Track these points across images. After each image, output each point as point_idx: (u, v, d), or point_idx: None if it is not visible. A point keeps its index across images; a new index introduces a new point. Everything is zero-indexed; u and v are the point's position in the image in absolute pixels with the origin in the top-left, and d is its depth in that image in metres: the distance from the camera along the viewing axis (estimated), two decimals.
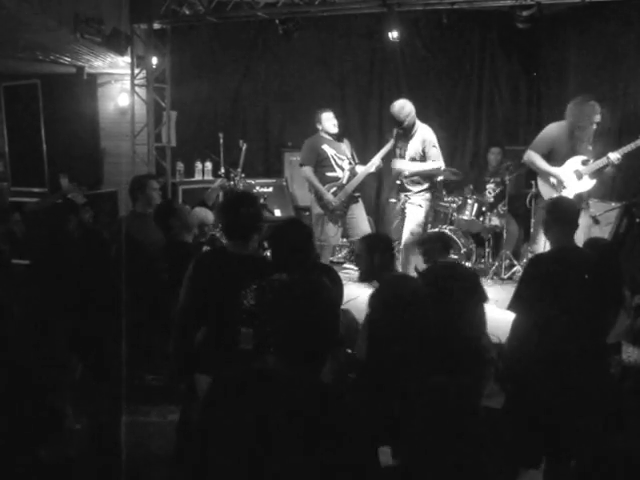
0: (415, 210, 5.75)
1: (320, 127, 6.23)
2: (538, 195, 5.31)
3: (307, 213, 6.42)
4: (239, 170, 6.73)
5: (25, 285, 4.06)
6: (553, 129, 5.11)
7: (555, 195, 4.97)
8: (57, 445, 2.11)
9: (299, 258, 3.04)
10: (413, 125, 5.64)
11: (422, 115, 7.60)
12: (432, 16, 6.82)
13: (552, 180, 5.06)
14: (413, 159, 5.70)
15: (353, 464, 1.71)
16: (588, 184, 4.99)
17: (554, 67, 7.04)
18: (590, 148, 4.99)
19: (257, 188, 6.98)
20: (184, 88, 7.88)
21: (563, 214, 3.46)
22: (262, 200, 6.73)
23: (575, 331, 3.23)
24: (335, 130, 6.21)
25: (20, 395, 2.04)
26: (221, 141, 7.04)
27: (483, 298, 3.69)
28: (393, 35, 6.33)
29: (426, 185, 5.78)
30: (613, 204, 5.66)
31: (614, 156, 4.83)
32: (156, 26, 7.15)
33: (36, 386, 2.16)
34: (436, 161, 5.69)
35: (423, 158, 5.68)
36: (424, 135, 5.66)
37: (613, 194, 6.00)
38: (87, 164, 7.96)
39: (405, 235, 5.76)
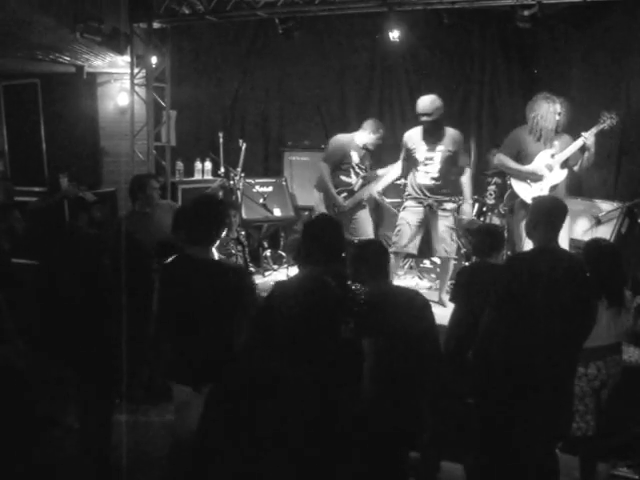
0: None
1: (363, 134, 6.03)
2: (513, 194, 5.42)
3: (307, 213, 6.41)
4: (239, 169, 6.73)
5: (30, 284, 4.06)
6: (518, 131, 5.31)
7: (529, 191, 5.12)
8: (51, 446, 2.11)
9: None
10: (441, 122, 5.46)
11: None
12: (433, 15, 6.80)
13: (525, 177, 5.19)
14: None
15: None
16: (560, 175, 5.14)
17: (555, 66, 7.02)
18: (556, 142, 5.11)
19: (257, 187, 6.96)
20: (184, 87, 7.87)
21: (543, 213, 3.43)
22: (262, 200, 6.73)
23: (543, 334, 3.21)
24: (372, 148, 6.08)
25: (12, 396, 2.03)
26: (221, 140, 7.03)
27: None
28: (393, 35, 6.32)
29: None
30: (615, 204, 5.66)
31: (588, 134, 4.97)
32: (156, 25, 7.14)
33: (29, 388, 2.15)
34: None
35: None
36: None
37: (615, 194, 5.99)
38: (86, 163, 7.95)
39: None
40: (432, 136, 5.44)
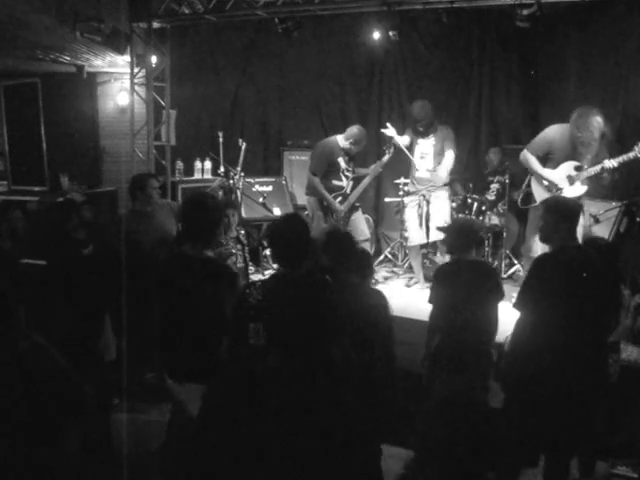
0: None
1: (345, 143, 6.07)
2: (530, 195, 5.27)
3: (307, 212, 6.42)
4: (238, 169, 6.73)
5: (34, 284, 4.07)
6: (553, 131, 5.04)
7: (546, 196, 4.94)
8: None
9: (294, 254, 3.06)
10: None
11: None
12: (432, 15, 6.81)
13: (545, 182, 5.05)
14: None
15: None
16: (580, 190, 4.97)
17: (554, 66, 7.02)
18: (589, 157, 4.90)
19: (256, 187, 6.97)
20: (183, 87, 7.88)
21: (565, 213, 3.45)
22: (261, 199, 6.74)
23: (576, 331, 3.24)
24: (352, 154, 6.20)
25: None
26: (220, 140, 7.04)
27: (501, 296, 3.75)
28: (393, 34, 6.32)
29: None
30: (613, 203, 5.66)
31: (609, 164, 4.78)
32: (155, 25, 7.15)
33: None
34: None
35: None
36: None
37: (614, 194, 5.99)
38: (87, 163, 7.96)
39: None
40: (426, 134, 6.03)
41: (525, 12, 5.70)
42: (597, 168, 4.83)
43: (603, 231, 5.48)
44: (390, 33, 6.35)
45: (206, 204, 3.31)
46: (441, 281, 3.86)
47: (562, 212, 3.46)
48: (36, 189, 7.84)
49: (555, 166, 5.01)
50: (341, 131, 6.27)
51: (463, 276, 3.75)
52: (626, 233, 5.55)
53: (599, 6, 5.98)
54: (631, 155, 4.71)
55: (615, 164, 4.76)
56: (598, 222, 5.59)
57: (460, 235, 3.93)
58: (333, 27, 7.65)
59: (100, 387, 3.73)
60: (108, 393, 4.14)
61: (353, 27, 7.37)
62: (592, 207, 5.69)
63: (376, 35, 6.74)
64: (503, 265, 6.55)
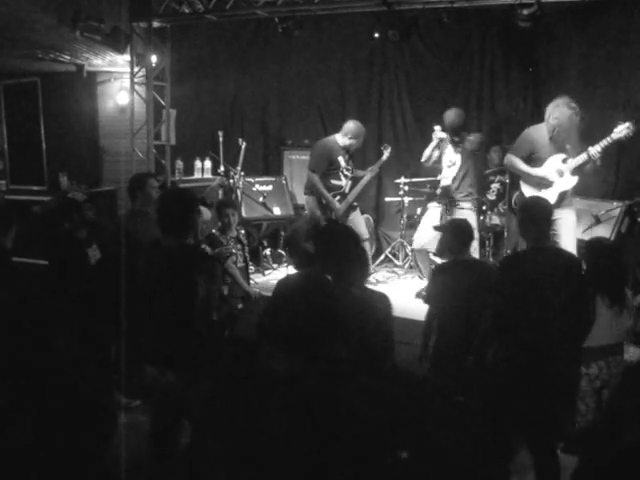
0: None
1: (344, 139, 6.05)
2: (522, 197, 5.29)
3: (306, 212, 6.41)
4: (238, 168, 6.72)
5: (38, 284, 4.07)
6: (532, 132, 5.13)
7: (537, 195, 4.98)
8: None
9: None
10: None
11: (422, 113, 7.63)
12: (432, 14, 6.79)
13: (535, 181, 5.07)
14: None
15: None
16: (571, 181, 5.01)
17: (555, 65, 7.01)
18: (569, 147, 4.99)
19: (256, 186, 6.95)
20: (183, 86, 7.86)
21: (537, 214, 3.50)
22: (261, 198, 6.73)
23: (546, 330, 3.25)
24: (352, 151, 6.16)
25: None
26: (220, 139, 7.03)
27: None
28: (393, 34, 6.31)
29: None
30: (615, 203, 5.65)
31: (594, 150, 4.84)
32: (156, 24, 7.14)
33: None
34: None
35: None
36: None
37: (615, 194, 5.98)
38: (86, 162, 7.95)
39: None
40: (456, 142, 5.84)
41: (525, 12, 5.69)
42: (583, 156, 4.88)
43: (604, 231, 5.47)
44: (390, 33, 6.34)
45: (179, 194, 3.42)
46: (438, 281, 3.86)
47: (530, 212, 3.52)
48: (35, 188, 7.84)
49: (540, 164, 5.07)
50: (339, 131, 6.27)
51: (459, 276, 3.75)
52: (627, 233, 5.54)
53: (599, 6, 5.97)
54: (614, 137, 4.76)
55: (599, 149, 4.81)
56: (599, 222, 5.58)
57: (456, 236, 3.93)
58: (333, 27, 7.64)
59: (104, 388, 3.72)
60: (112, 394, 4.12)
61: (353, 27, 7.36)
62: (593, 207, 5.69)
63: (376, 35, 6.73)
64: None
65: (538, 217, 3.48)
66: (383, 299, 3.12)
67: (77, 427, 1.90)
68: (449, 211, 5.74)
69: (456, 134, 5.73)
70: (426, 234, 5.84)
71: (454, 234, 3.95)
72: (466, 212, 5.73)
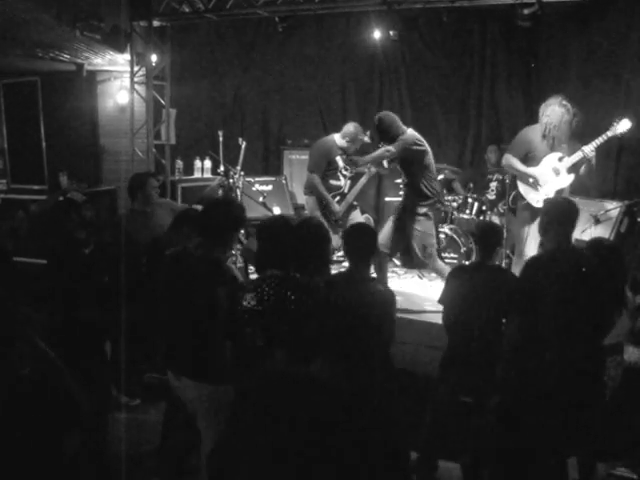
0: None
1: (342, 141, 6.02)
2: (519, 196, 5.31)
3: (306, 212, 6.40)
4: (238, 168, 6.71)
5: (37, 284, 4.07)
6: (528, 132, 5.16)
7: (535, 194, 5.05)
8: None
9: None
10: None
11: (422, 113, 7.64)
12: (432, 14, 6.79)
13: (531, 180, 5.09)
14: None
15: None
16: (567, 179, 5.04)
17: (555, 65, 7.01)
18: (565, 146, 5.02)
19: (256, 186, 6.95)
20: (183, 86, 7.86)
21: (560, 215, 3.46)
22: (261, 198, 6.73)
23: (569, 334, 3.24)
24: (351, 153, 6.09)
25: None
26: (220, 139, 7.01)
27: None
28: (393, 33, 6.31)
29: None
30: (614, 203, 5.65)
31: (588, 149, 4.87)
32: (156, 23, 7.14)
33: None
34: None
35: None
36: None
37: (614, 194, 5.98)
38: (86, 161, 7.95)
39: None
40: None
41: (526, 11, 5.70)
42: (579, 154, 4.91)
43: (604, 231, 5.47)
44: (390, 32, 6.34)
45: (232, 205, 3.31)
46: (453, 283, 3.85)
47: (555, 214, 3.47)
48: (35, 187, 7.84)
49: (537, 163, 5.10)
50: (339, 131, 6.26)
51: (476, 280, 3.71)
52: (627, 233, 5.54)
53: (599, 6, 5.97)
54: (609, 134, 4.80)
55: (593, 148, 4.84)
56: (599, 222, 5.58)
57: (481, 240, 3.91)
58: (333, 26, 7.64)
59: (99, 388, 3.72)
60: (107, 395, 4.13)
61: (354, 26, 7.36)
62: (592, 207, 5.69)
63: (376, 34, 6.72)
64: (503, 265, 6.53)
65: (560, 218, 3.43)
66: (389, 294, 3.21)
67: (56, 428, 1.92)
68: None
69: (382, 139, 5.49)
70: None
71: (479, 239, 3.97)
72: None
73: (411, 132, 5.34)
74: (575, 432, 3.30)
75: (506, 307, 3.56)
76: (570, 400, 3.22)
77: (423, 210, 5.27)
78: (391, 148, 5.25)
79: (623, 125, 4.79)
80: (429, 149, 5.35)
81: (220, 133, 7.04)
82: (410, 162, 5.30)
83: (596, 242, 4.00)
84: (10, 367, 1.90)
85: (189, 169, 7.83)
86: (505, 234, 6.54)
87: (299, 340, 1.86)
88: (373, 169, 6.11)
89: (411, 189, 5.34)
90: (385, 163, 6.04)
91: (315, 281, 2.68)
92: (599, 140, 4.82)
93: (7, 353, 1.95)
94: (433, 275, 6.48)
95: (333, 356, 2.59)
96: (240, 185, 6.69)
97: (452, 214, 6.73)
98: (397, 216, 5.45)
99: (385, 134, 5.33)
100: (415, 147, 5.23)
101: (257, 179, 7.13)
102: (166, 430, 3.67)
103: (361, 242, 3.30)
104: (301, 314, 1.86)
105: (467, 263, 4.04)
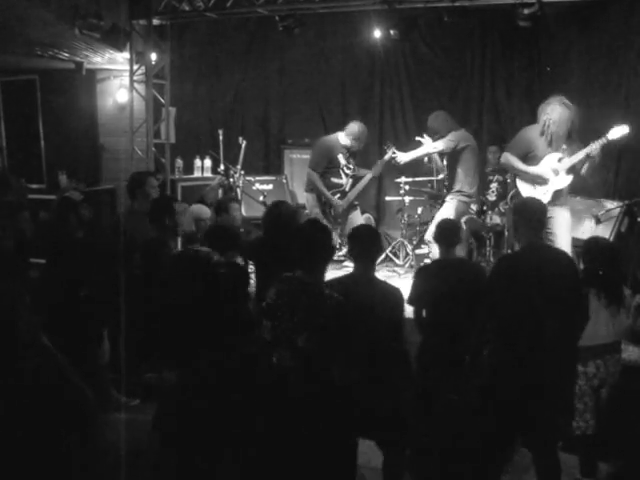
0: None
1: (346, 139, 6.06)
2: (519, 195, 5.30)
3: (307, 211, 6.40)
4: (238, 167, 6.71)
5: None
6: (528, 131, 5.17)
7: (533, 193, 5.03)
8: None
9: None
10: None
11: (422, 113, 7.61)
12: (433, 13, 6.78)
13: (529, 178, 5.09)
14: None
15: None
16: (566, 180, 5.02)
17: (556, 65, 7.01)
18: (564, 146, 5.00)
19: (257, 185, 6.94)
20: (183, 84, 7.85)
21: (530, 214, 3.52)
22: (262, 197, 6.73)
23: (541, 329, 3.26)
24: (354, 151, 6.17)
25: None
26: (220, 138, 7.01)
27: None
28: (394, 33, 6.30)
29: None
30: (615, 203, 5.65)
31: (590, 148, 4.84)
32: (155, 22, 7.13)
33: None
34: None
35: None
36: None
37: (615, 194, 5.98)
38: (85, 160, 7.95)
39: None
40: None
41: (526, 11, 5.69)
42: (579, 155, 4.89)
43: (604, 231, 5.47)
44: (391, 32, 6.33)
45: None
46: (421, 281, 3.94)
47: (524, 214, 3.54)
48: (34, 186, 7.82)
49: (536, 163, 5.09)
50: (342, 130, 6.26)
51: (444, 275, 3.84)
52: (627, 233, 5.55)
53: (599, 6, 5.96)
54: (609, 137, 4.78)
55: (598, 147, 4.81)
56: (599, 222, 5.58)
57: (440, 237, 4.06)
58: (334, 25, 7.63)
59: (98, 389, 3.72)
60: (106, 395, 4.12)
61: (354, 25, 7.35)
62: (593, 207, 5.69)
63: (377, 33, 6.72)
64: None
65: (530, 218, 3.51)
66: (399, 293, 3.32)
67: (56, 427, 1.93)
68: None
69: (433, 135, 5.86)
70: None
71: (438, 235, 4.11)
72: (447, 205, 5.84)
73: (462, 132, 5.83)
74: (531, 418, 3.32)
75: (476, 297, 3.64)
76: (535, 392, 3.25)
77: (450, 197, 5.81)
78: (438, 145, 5.76)
79: (620, 130, 4.75)
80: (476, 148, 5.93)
81: (220, 132, 7.04)
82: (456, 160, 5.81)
83: (592, 241, 4.02)
84: (13, 364, 1.89)
85: (189, 168, 7.82)
86: (506, 233, 6.56)
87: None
88: (379, 169, 6.13)
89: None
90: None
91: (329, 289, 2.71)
92: (602, 141, 4.79)
93: (10, 350, 1.95)
94: None
95: (353, 359, 2.62)
96: (240, 184, 6.70)
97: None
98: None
99: (434, 131, 5.81)
100: (460, 146, 5.74)
101: (257, 178, 7.13)
102: None
103: (368, 244, 3.37)
104: (313, 318, 1.90)
105: (429, 262, 4.17)
